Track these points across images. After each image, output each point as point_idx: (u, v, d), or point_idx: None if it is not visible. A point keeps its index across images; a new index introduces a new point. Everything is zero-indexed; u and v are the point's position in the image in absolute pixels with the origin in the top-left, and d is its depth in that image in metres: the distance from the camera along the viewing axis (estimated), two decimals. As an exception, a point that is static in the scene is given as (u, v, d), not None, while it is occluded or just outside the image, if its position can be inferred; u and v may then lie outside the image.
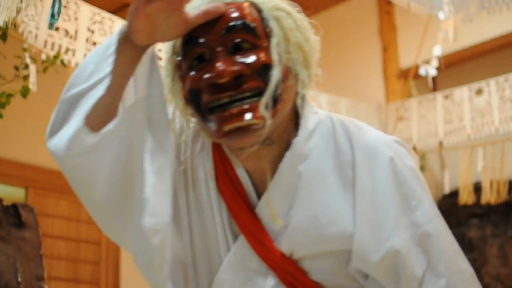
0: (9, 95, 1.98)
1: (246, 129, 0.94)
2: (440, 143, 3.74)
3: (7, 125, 2.88)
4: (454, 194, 3.80)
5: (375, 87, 4.30)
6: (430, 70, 3.63)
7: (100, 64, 0.95)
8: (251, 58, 0.96)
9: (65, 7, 2.29)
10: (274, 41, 0.97)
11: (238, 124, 0.94)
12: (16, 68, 2.10)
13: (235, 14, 0.97)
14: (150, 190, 0.93)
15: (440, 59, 3.61)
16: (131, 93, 1.00)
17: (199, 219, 1.10)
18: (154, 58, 1.00)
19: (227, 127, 0.95)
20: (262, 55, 0.96)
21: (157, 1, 0.90)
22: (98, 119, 0.94)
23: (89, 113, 0.93)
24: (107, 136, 0.94)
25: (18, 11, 1.80)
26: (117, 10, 4.25)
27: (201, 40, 0.97)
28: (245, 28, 0.96)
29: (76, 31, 2.48)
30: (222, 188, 1.07)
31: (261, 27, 0.98)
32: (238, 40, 0.96)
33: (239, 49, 0.96)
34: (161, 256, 0.95)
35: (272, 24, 0.99)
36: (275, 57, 0.96)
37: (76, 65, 2.46)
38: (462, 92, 3.62)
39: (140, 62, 0.98)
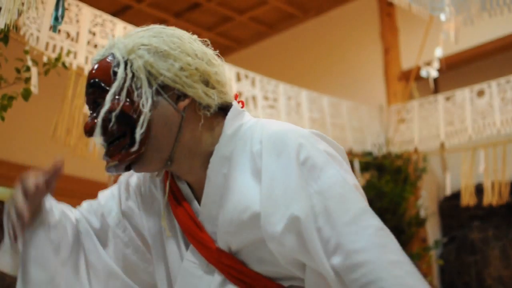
0: (11, 98, 1.98)
1: (138, 161, 1.12)
2: (442, 145, 3.74)
3: (9, 128, 2.87)
4: (456, 195, 3.79)
5: (377, 89, 4.30)
6: (431, 72, 3.63)
7: None
8: (101, 111, 1.11)
9: (66, 9, 2.29)
10: (112, 88, 1.10)
11: (107, 168, 1.13)
12: (18, 71, 2.10)
13: (89, 76, 1.14)
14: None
15: (441, 60, 3.60)
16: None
17: (162, 234, 1.22)
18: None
19: (106, 168, 1.14)
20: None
21: (21, 217, 1.14)
22: None
23: None
24: None
25: (19, 14, 1.80)
26: (118, 12, 4.26)
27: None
28: (92, 86, 1.13)
29: (78, 33, 2.49)
30: (170, 202, 1.20)
31: (112, 77, 1.11)
32: (92, 98, 1.13)
33: (98, 105, 1.12)
34: None
35: (118, 70, 1.10)
36: (108, 99, 1.09)
37: (78, 67, 2.46)
38: (464, 94, 3.62)
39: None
